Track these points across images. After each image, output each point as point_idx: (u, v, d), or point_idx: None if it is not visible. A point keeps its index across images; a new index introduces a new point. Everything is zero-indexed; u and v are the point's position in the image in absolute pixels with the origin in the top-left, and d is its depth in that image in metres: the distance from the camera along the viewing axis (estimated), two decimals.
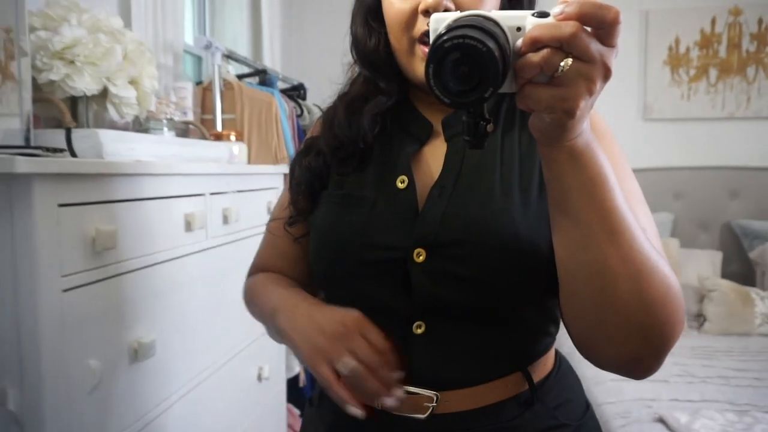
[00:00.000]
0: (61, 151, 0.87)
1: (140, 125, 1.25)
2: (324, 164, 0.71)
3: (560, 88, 0.41)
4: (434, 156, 0.67)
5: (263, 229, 0.80)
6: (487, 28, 0.42)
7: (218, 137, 1.63)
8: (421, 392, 0.62)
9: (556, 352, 0.72)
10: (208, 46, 1.73)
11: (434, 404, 0.62)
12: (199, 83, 1.82)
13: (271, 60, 2.61)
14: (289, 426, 1.87)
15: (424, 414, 0.62)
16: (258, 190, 1.57)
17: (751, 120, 2.81)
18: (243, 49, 2.53)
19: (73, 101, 1.07)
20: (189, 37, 2.17)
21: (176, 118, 1.43)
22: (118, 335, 0.95)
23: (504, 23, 0.43)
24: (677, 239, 2.56)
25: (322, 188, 0.71)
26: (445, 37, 0.42)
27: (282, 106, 1.89)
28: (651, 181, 2.82)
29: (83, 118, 1.07)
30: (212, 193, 1.28)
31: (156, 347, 1.03)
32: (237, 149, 1.61)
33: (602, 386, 1.78)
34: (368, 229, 0.64)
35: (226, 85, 1.85)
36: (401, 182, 0.65)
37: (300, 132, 2.05)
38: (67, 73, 0.99)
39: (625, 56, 2.85)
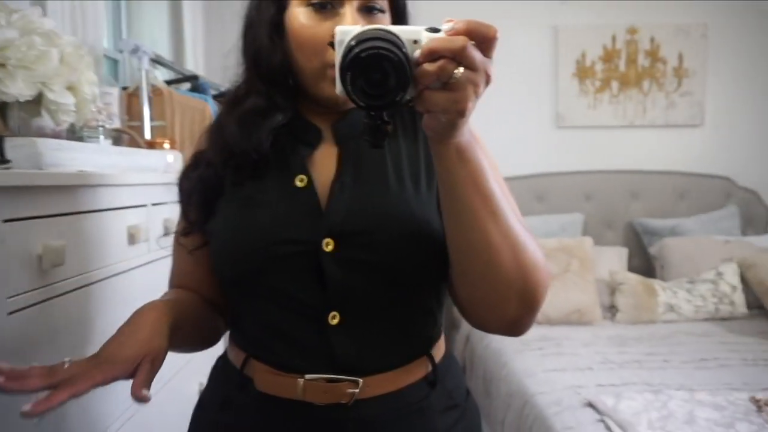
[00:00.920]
0: (7, 162, 0.81)
1: (73, 133, 1.17)
2: (215, 174, 0.73)
3: (453, 92, 0.48)
4: (327, 158, 0.72)
5: None
6: (392, 40, 0.48)
7: (151, 145, 1.56)
8: (344, 379, 0.67)
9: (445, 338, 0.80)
10: (135, 50, 1.65)
11: (357, 390, 0.66)
12: (124, 89, 1.73)
13: (194, 65, 2.53)
14: None
15: (348, 401, 0.67)
16: None
17: (647, 128, 3.11)
18: (164, 55, 2.43)
19: (2, 107, 0.99)
20: (105, 41, 2.06)
21: (107, 126, 1.35)
22: (64, 357, 0.89)
23: (403, 36, 0.49)
24: (590, 237, 2.76)
25: (217, 197, 0.73)
26: (358, 49, 0.47)
27: (215, 113, 1.84)
28: (564, 184, 3.03)
29: (14, 125, 0.99)
30: (154, 204, 1.23)
31: None
32: (172, 157, 1.55)
33: (534, 378, 1.88)
34: (275, 226, 0.68)
35: (155, 91, 1.77)
36: (300, 181, 0.70)
37: None
38: None
39: (538, 68, 3.05)
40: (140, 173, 1.19)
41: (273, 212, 0.68)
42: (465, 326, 2.62)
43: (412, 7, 0.75)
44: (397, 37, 0.49)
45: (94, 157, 1.05)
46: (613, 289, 2.61)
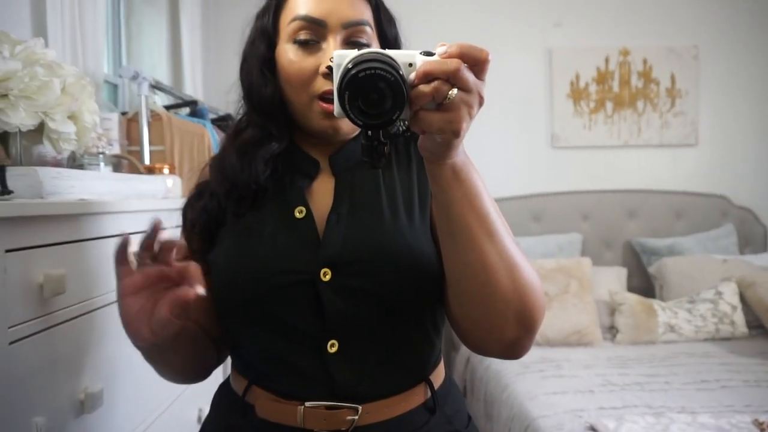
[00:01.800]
0: (9, 193, 0.81)
1: (74, 161, 1.18)
2: (218, 205, 0.75)
3: (448, 113, 0.50)
4: (324, 189, 0.75)
5: None
6: (388, 62, 0.50)
7: (151, 170, 1.57)
8: (343, 406, 0.67)
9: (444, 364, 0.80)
10: (135, 77, 1.67)
11: (356, 417, 0.67)
12: (124, 114, 1.75)
13: (193, 90, 2.55)
14: None
15: (347, 428, 0.67)
16: None
17: (642, 148, 3.13)
18: (162, 79, 2.46)
19: (3, 137, 1.00)
20: (105, 66, 2.08)
21: (107, 152, 1.36)
22: (65, 386, 0.88)
23: (399, 59, 0.51)
24: (588, 258, 2.76)
25: (219, 227, 0.75)
26: (355, 70, 0.49)
27: (214, 138, 1.86)
28: (561, 204, 3.04)
29: (16, 154, 1.00)
30: None
31: (103, 397, 0.96)
32: (171, 182, 1.55)
33: (536, 401, 1.87)
34: (274, 256, 0.69)
35: (154, 116, 1.78)
36: (299, 212, 0.72)
37: None
38: (1, 108, 0.93)
39: (534, 90, 3.09)
40: (140, 200, 1.20)
41: (273, 243, 0.70)
42: (465, 348, 2.61)
43: (407, 29, 0.78)
44: (393, 59, 0.51)
45: (94, 184, 1.05)
46: (612, 309, 2.61)
